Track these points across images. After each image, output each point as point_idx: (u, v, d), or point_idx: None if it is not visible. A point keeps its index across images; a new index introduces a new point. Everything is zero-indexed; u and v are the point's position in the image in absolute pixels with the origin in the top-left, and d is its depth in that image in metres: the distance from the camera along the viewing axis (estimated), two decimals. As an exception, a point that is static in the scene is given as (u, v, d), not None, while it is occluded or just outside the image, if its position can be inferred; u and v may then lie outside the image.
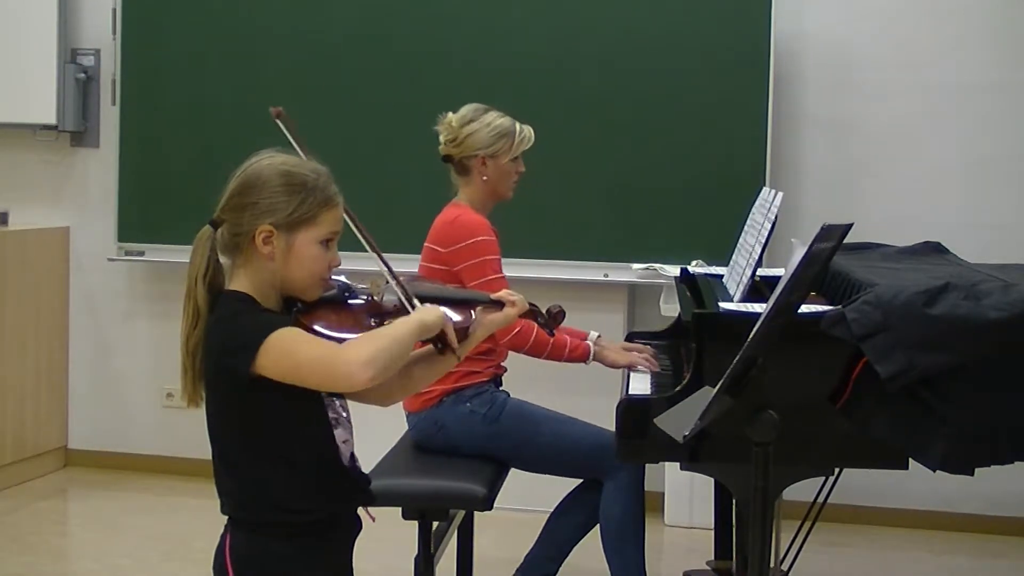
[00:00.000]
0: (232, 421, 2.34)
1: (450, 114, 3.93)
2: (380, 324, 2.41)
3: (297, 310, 2.40)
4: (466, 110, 3.92)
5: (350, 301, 2.47)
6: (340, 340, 2.33)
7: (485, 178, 3.89)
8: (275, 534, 2.34)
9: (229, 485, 2.37)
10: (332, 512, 2.39)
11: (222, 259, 2.36)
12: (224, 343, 2.27)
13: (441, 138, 3.91)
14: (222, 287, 2.36)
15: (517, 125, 3.92)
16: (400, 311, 2.45)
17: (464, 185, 3.94)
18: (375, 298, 2.48)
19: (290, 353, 2.21)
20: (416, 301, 2.46)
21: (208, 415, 2.36)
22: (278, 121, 2.43)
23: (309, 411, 2.34)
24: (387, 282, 2.49)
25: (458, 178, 3.95)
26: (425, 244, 3.87)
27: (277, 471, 2.33)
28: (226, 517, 2.41)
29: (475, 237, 3.77)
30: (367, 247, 2.48)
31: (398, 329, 2.31)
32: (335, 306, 2.44)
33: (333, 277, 2.43)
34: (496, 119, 3.89)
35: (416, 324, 2.34)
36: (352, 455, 2.44)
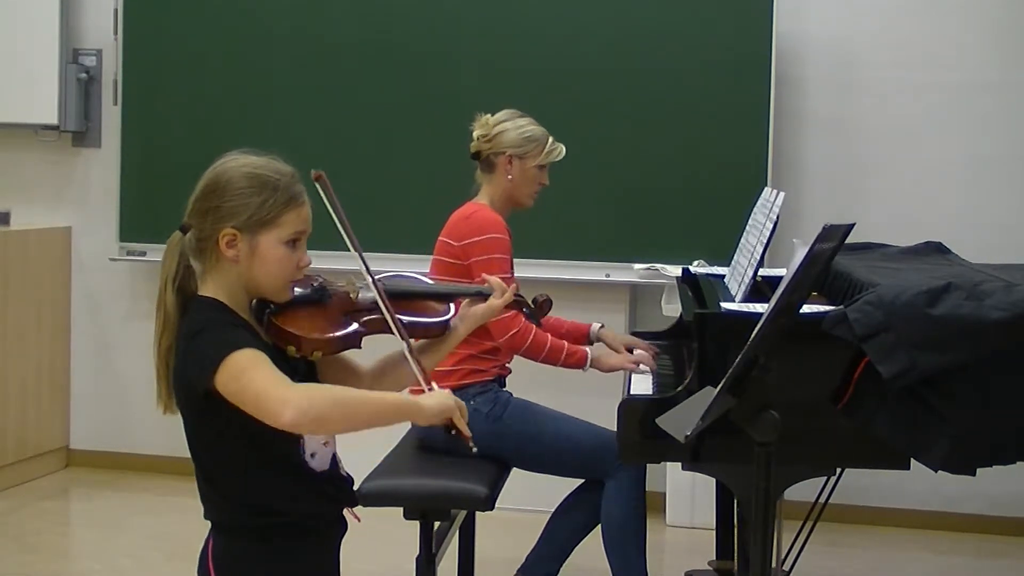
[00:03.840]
0: (199, 429, 2.33)
1: (487, 114, 3.99)
2: (355, 322, 2.40)
3: (270, 311, 2.38)
4: (503, 112, 3.99)
5: (325, 300, 2.44)
6: (314, 340, 2.32)
7: (510, 177, 3.92)
8: (253, 537, 2.34)
9: (206, 490, 2.37)
10: (310, 514, 2.38)
11: (193, 263, 2.34)
12: (186, 357, 2.26)
13: (475, 134, 3.96)
14: (194, 292, 2.34)
15: (550, 138, 3.97)
16: (376, 309, 2.43)
17: (487, 183, 3.97)
18: (351, 296, 2.45)
19: (238, 377, 2.18)
20: (434, 385, 2.41)
21: (182, 418, 2.35)
22: (317, 184, 2.38)
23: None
24: (365, 280, 2.47)
25: (482, 175, 3.99)
26: (439, 237, 3.90)
27: (248, 476, 2.32)
28: (209, 522, 2.40)
29: (488, 234, 3.80)
30: (348, 243, 2.43)
31: (376, 397, 2.28)
32: (309, 306, 2.41)
33: (309, 275, 2.41)
34: (529, 124, 3.96)
35: (405, 405, 2.31)
36: (334, 456, 2.42)
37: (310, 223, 2.37)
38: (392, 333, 2.43)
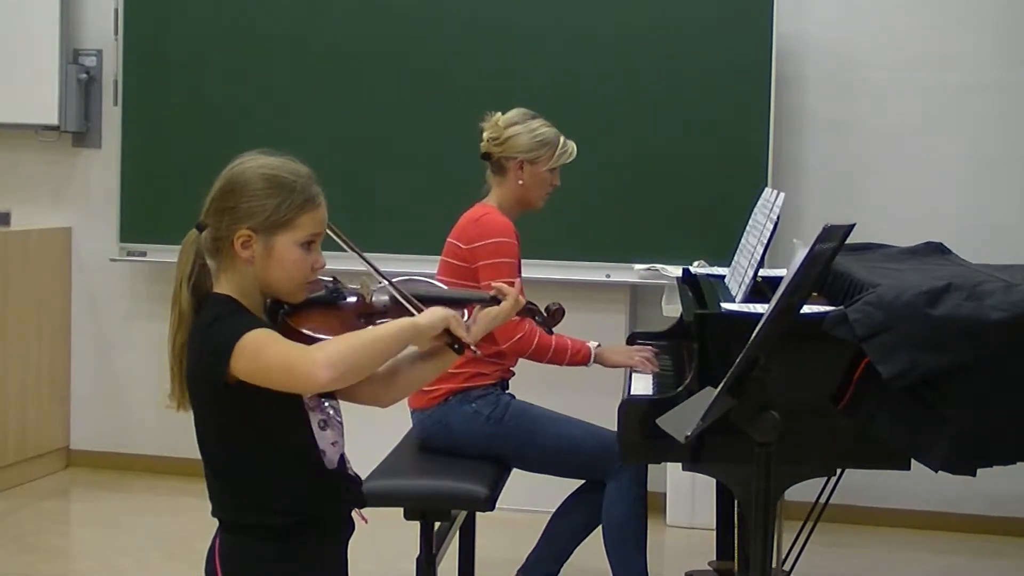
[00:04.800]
0: (212, 425, 2.34)
1: (498, 113, 3.95)
2: (368, 324, 2.40)
3: (283, 312, 2.38)
4: (514, 113, 3.94)
5: (339, 302, 2.44)
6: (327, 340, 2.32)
7: (521, 182, 3.90)
8: (261, 536, 2.34)
9: (215, 488, 2.38)
10: (318, 513, 2.38)
11: (208, 262, 2.35)
12: (201, 348, 2.27)
13: (484, 135, 3.92)
14: (209, 290, 2.35)
15: (561, 138, 3.94)
16: (391, 311, 2.44)
17: (497, 185, 3.95)
18: (365, 298, 2.45)
19: (258, 354, 2.20)
20: (419, 304, 2.44)
21: (194, 417, 2.36)
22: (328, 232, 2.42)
23: (287, 415, 2.32)
24: (379, 282, 2.48)
25: (493, 177, 3.96)
26: (448, 239, 3.89)
27: (258, 473, 2.33)
28: (217, 520, 2.41)
29: (496, 237, 3.78)
30: (356, 254, 2.46)
31: (379, 330, 2.29)
32: (323, 307, 2.42)
33: (322, 277, 2.42)
34: (541, 127, 3.91)
35: (403, 327, 2.31)
36: (342, 456, 2.42)
37: (326, 225, 2.38)
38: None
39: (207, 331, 2.27)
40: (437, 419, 3.80)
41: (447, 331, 2.38)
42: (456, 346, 2.41)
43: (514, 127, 3.90)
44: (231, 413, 2.28)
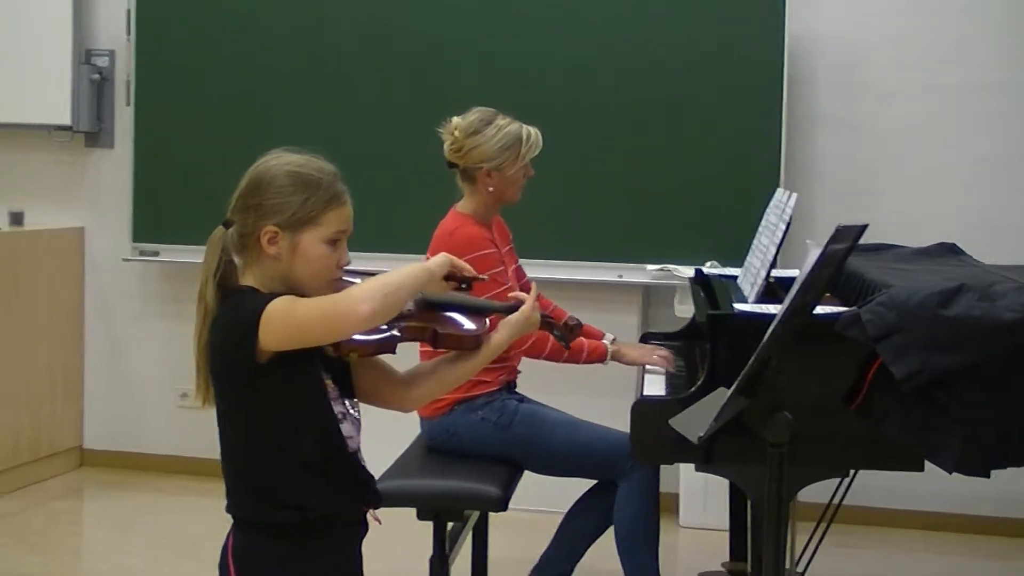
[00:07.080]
0: (235, 416, 2.34)
1: (455, 120, 3.83)
2: (393, 328, 2.40)
3: None
4: (472, 118, 3.82)
5: None
6: (352, 341, 2.31)
7: (491, 189, 3.82)
8: (275, 534, 2.34)
9: (232, 484, 2.38)
10: (333, 510, 2.38)
11: (235, 258, 2.37)
12: (228, 334, 2.27)
13: (445, 145, 3.84)
14: (235, 287, 2.36)
15: (524, 131, 3.81)
16: (415, 315, 2.44)
17: (470, 193, 3.87)
18: None
19: (289, 315, 2.21)
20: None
21: (216, 412, 2.36)
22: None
23: (311, 403, 2.33)
24: None
25: (464, 184, 3.88)
26: (428, 253, 3.83)
27: (277, 467, 2.33)
28: (231, 517, 2.41)
29: (475, 252, 3.66)
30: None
31: (395, 272, 2.31)
32: None
33: (349, 278, 2.43)
34: (502, 129, 3.78)
35: (416, 267, 2.35)
36: (357, 453, 2.42)
37: (351, 223, 2.39)
38: (424, 340, 2.43)
39: (231, 317, 2.28)
40: (445, 428, 3.78)
41: (452, 275, 2.46)
42: (463, 285, 2.48)
43: (474, 137, 3.77)
44: (257, 398, 2.29)
